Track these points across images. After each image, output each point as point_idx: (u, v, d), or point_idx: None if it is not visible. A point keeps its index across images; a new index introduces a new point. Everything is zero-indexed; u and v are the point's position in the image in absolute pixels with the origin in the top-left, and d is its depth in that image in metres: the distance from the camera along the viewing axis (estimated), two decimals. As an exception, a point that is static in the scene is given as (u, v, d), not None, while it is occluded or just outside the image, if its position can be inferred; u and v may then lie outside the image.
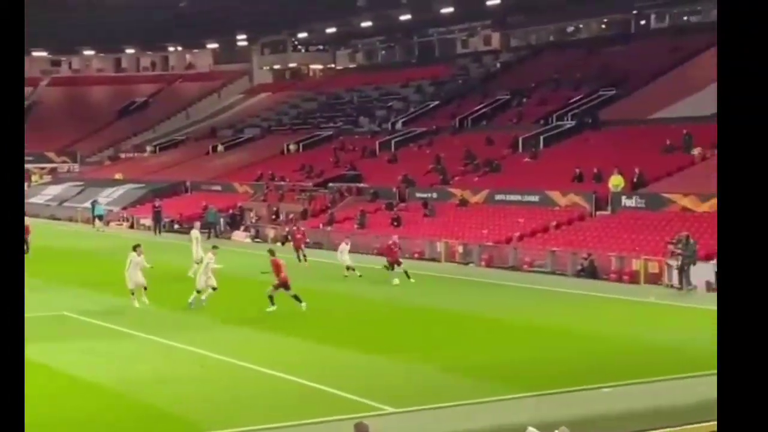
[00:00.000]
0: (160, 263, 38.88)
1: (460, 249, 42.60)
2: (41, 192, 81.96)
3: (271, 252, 30.40)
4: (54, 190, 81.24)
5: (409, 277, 34.81)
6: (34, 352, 22.29)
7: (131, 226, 63.32)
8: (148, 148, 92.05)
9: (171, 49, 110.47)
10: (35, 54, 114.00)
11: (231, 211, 57.81)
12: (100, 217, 62.28)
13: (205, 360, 21.96)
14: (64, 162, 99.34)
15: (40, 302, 29.46)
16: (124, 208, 67.49)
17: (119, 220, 64.82)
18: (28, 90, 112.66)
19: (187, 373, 20.78)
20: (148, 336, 24.44)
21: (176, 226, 58.86)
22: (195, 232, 39.20)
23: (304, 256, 41.42)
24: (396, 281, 34.65)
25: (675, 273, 33.84)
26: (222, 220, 55.65)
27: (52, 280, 35.37)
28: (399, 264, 35.46)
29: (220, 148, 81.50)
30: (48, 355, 22.08)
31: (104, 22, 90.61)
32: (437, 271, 31.09)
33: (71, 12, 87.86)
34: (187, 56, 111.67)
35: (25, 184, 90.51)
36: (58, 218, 69.88)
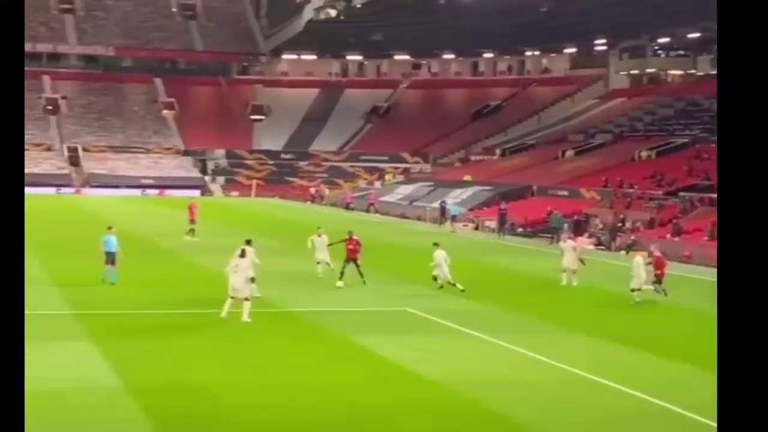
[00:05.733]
0: (499, 264, 38.77)
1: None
2: (393, 191, 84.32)
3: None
4: (405, 189, 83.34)
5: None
6: (374, 343, 22.64)
7: (476, 228, 63.75)
8: (498, 151, 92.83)
9: (528, 53, 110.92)
10: (397, 57, 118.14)
11: (576, 217, 56.97)
12: (454, 218, 63.11)
13: (541, 365, 21.29)
14: (417, 162, 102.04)
15: (381, 295, 30.17)
16: (471, 210, 68.11)
17: (465, 222, 65.48)
18: (388, 92, 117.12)
19: (523, 376, 20.18)
20: (485, 336, 24.10)
21: (519, 230, 58.70)
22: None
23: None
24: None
25: None
26: (566, 225, 54.90)
27: (393, 275, 36.05)
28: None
29: (569, 153, 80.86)
30: (386, 347, 22.28)
31: (465, 26, 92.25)
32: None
33: (434, 16, 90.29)
34: (544, 60, 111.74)
35: (378, 183, 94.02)
36: (407, 217, 71.55)
